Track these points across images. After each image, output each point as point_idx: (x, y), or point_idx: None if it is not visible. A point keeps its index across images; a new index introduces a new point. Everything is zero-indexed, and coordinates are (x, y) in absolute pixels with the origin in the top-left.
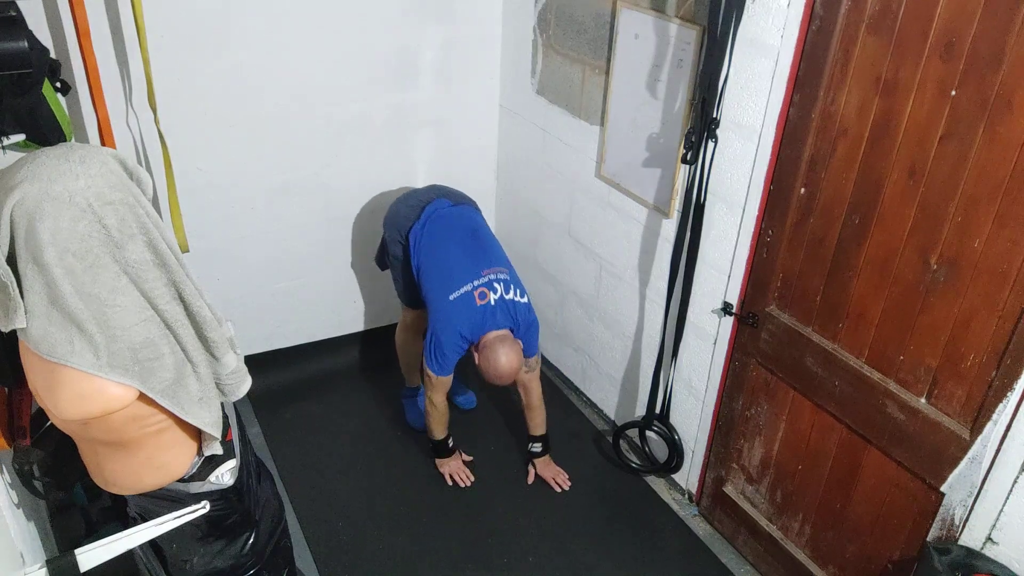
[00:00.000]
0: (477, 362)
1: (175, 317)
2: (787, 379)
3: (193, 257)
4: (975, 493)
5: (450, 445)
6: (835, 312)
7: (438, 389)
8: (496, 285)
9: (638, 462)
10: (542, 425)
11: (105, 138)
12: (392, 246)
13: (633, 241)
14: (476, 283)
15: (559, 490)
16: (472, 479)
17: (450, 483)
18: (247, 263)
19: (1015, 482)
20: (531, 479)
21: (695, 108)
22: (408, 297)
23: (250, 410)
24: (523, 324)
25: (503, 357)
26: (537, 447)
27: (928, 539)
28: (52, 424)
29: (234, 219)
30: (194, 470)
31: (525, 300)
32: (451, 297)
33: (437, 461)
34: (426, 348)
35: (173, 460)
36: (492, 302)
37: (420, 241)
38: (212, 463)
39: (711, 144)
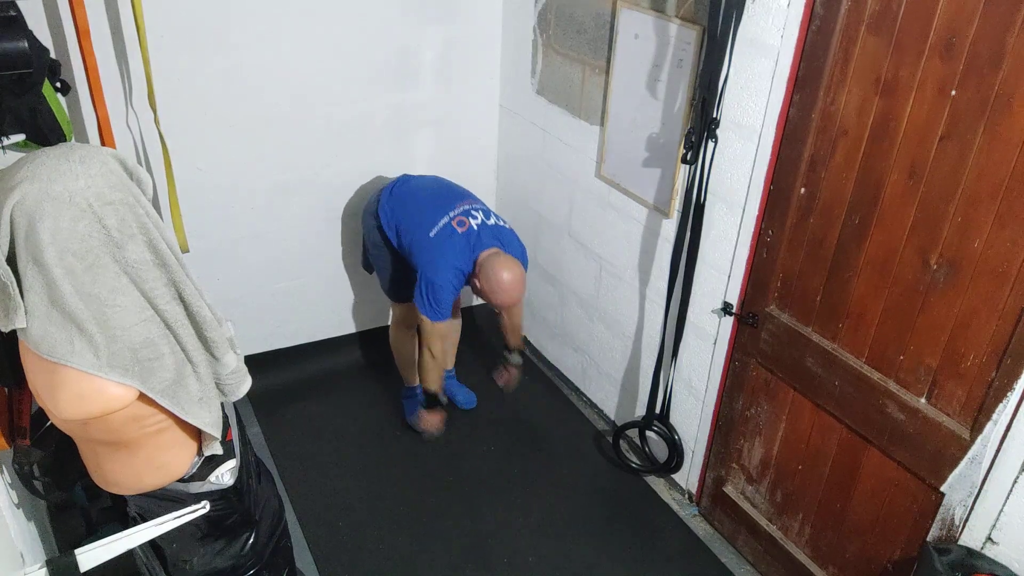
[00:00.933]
0: (479, 287)
1: (175, 317)
2: (787, 379)
3: (193, 257)
4: (975, 493)
5: (442, 400)
6: (835, 312)
7: (435, 337)
8: (474, 213)
9: (638, 462)
10: (519, 339)
11: (105, 138)
12: (370, 234)
13: (633, 241)
14: (452, 214)
15: (502, 384)
16: (442, 432)
17: (422, 431)
18: (247, 263)
19: (1015, 482)
20: (502, 380)
21: (695, 108)
22: (395, 289)
23: (250, 410)
24: (510, 248)
25: (506, 272)
26: (518, 357)
27: (928, 539)
28: (52, 424)
29: (234, 219)
30: (194, 470)
31: (508, 226)
32: (431, 234)
33: (422, 412)
34: (417, 295)
35: (173, 460)
36: (474, 227)
37: (390, 207)
38: (212, 463)
39: (711, 144)
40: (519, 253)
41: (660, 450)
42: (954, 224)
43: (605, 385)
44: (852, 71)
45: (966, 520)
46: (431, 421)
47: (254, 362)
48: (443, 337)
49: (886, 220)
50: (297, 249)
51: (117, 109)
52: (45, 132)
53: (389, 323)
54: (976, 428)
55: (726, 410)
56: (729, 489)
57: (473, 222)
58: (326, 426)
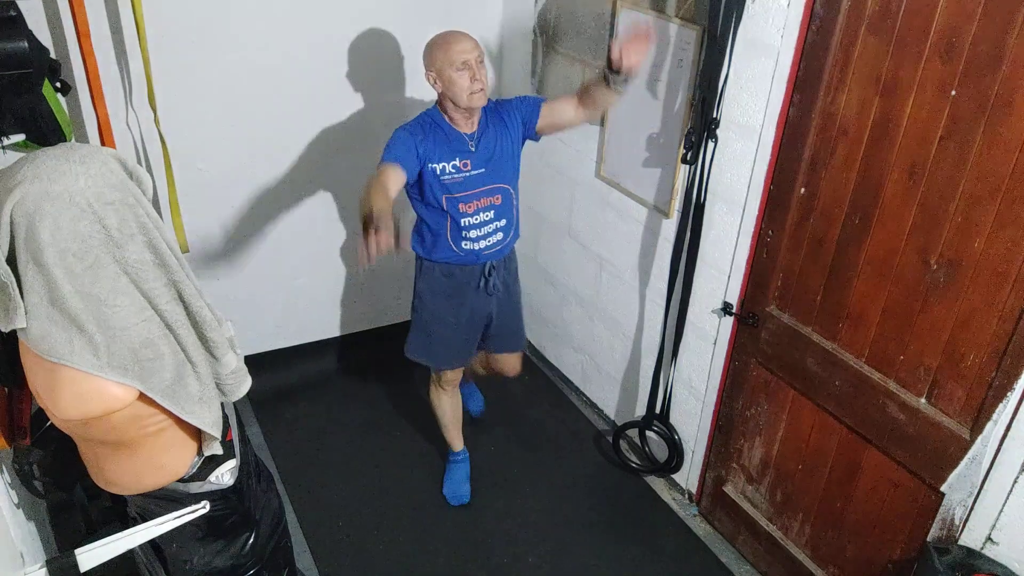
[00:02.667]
0: (431, 72)
1: (175, 317)
2: (787, 379)
3: (193, 257)
4: (975, 493)
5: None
6: (835, 312)
7: (375, 176)
8: None
9: (638, 462)
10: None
11: (105, 138)
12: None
13: (633, 241)
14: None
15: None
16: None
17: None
18: (247, 263)
19: (1015, 482)
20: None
21: (695, 108)
22: (444, 351)
23: (250, 410)
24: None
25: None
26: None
27: (928, 539)
28: (52, 424)
29: (234, 219)
30: (194, 470)
31: None
32: None
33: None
34: None
35: (173, 460)
36: None
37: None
38: (212, 463)
39: (711, 144)
40: (520, 101)
41: (660, 450)
42: (954, 224)
43: (605, 385)
44: (852, 71)
45: (966, 520)
46: (366, 243)
47: (254, 362)
48: (381, 173)
49: (886, 220)
50: (297, 249)
51: (117, 109)
52: (45, 132)
53: (395, 328)
54: (976, 428)
55: (726, 410)
56: (729, 489)
57: None
58: (326, 426)
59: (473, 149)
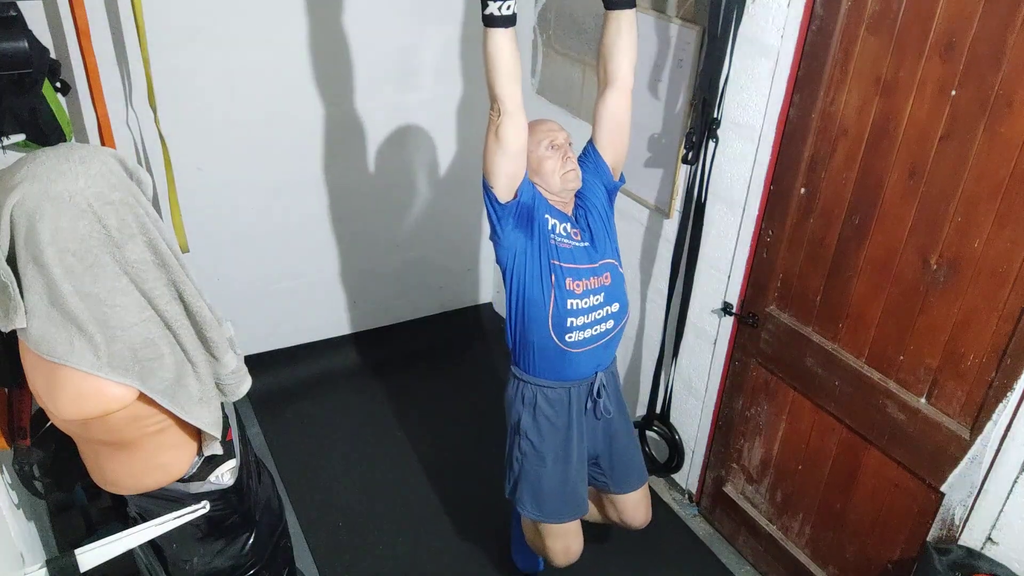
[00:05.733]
0: (532, 164)
1: (175, 317)
2: (787, 379)
3: (193, 257)
4: (975, 493)
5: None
6: (835, 312)
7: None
8: None
9: None
10: None
11: (105, 138)
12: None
13: (633, 241)
14: None
15: None
16: None
17: None
18: (247, 263)
19: (1015, 482)
20: None
21: (695, 108)
22: (559, 497)
23: (250, 410)
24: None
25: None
26: None
27: (928, 539)
28: (52, 424)
29: (234, 219)
30: (194, 470)
31: None
32: None
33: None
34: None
35: (173, 460)
36: None
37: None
38: (212, 463)
39: (711, 144)
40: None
41: (661, 450)
42: (954, 224)
43: None
44: (852, 71)
45: (966, 520)
46: None
47: (254, 362)
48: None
49: (886, 220)
50: (297, 249)
51: (117, 109)
52: (45, 132)
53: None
54: (976, 428)
55: (726, 410)
56: (729, 489)
57: None
58: (326, 426)
59: (576, 221)
